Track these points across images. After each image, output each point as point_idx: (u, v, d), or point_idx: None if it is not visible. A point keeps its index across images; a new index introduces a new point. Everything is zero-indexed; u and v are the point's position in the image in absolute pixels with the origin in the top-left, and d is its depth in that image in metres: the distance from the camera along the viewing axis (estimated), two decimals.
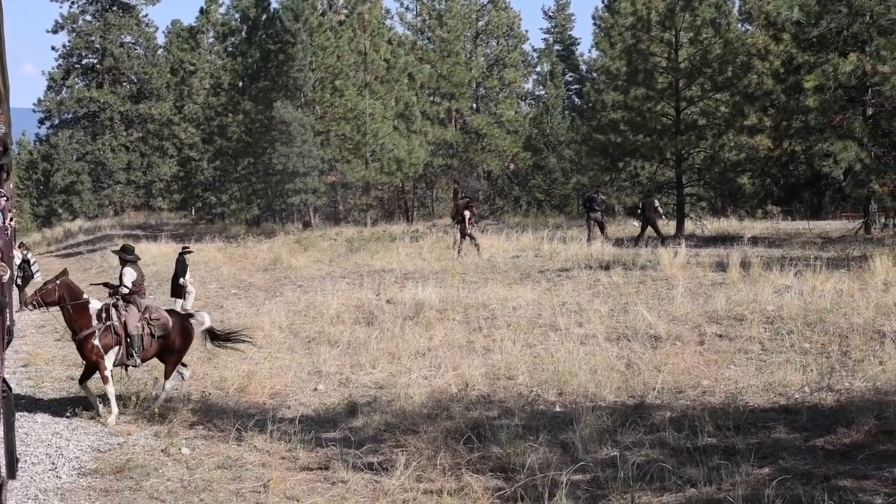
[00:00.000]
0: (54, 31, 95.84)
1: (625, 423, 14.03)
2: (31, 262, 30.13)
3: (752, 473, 11.74)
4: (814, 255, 28.62)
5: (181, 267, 27.91)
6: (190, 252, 29.39)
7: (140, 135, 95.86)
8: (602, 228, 41.93)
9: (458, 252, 37.54)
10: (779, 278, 24.50)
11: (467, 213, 38.52)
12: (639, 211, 43.56)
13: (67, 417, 16.62)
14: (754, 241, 36.41)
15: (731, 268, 26.29)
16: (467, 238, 38.25)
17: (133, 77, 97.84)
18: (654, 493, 11.48)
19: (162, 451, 14.42)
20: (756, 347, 18.88)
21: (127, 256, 17.92)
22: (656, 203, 40.51)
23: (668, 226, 42.38)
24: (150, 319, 17.24)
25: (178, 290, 27.85)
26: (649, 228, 41.28)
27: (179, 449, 14.39)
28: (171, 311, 17.89)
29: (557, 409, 15.55)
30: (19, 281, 28.64)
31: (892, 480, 11.34)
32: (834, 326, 19.49)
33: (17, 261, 28.62)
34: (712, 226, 46.51)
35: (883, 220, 41.74)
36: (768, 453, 12.53)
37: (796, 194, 51.86)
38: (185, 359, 18.27)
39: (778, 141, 41.76)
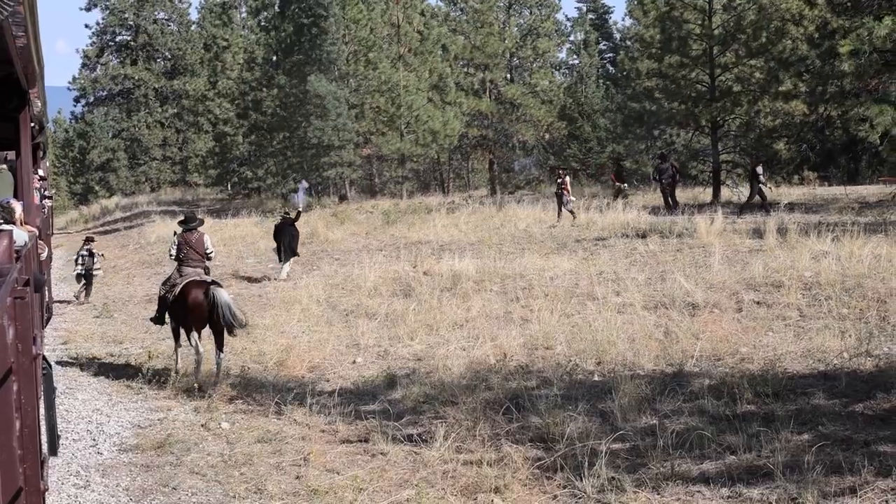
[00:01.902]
0: (87, 9, 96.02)
1: (663, 391, 14.01)
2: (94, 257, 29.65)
3: (792, 440, 11.70)
4: (851, 220, 28.47)
5: (287, 232, 30.25)
6: (294, 220, 31.04)
7: (175, 111, 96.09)
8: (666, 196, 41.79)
9: (569, 217, 37.87)
10: (816, 244, 24.40)
11: (568, 180, 39.85)
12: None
13: (108, 394, 16.72)
14: (791, 207, 36.24)
15: (768, 234, 26.20)
16: (567, 206, 38.81)
17: (167, 53, 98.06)
18: (694, 460, 11.47)
19: (202, 425, 14.48)
20: (794, 314, 18.81)
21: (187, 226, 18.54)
22: (759, 169, 40.21)
23: (772, 191, 42.00)
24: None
25: (285, 254, 30.08)
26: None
27: (219, 423, 14.45)
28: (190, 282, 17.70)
29: (596, 378, 15.54)
30: (80, 270, 28.58)
31: None
32: (872, 291, 19.40)
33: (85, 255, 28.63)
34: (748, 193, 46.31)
35: None
36: (807, 419, 12.49)
37: (833, 159, 51.61)
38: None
39: (813, 106, 41.52)
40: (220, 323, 17.16)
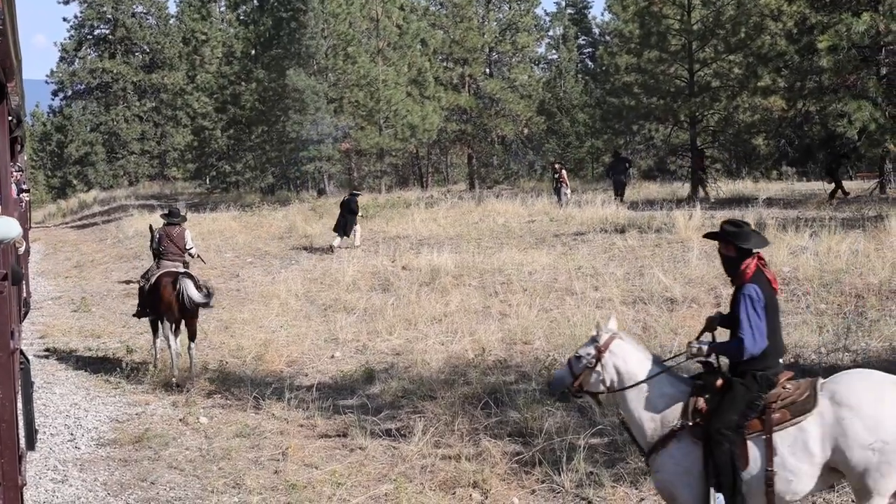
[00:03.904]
0: (65, 2, 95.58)
1: None
2: None
3: None
4: (829, 215, 28.52)
5: (350, 208, 32.70)
6: (359, 193, 34.34)
7: (153, 105, 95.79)
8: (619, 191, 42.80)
9: (566, 206, 38.66)
10: (794, 239, 24.44)
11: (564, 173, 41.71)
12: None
13: (86, 388, 16.72)
14: (769, 202, 36.33)
15: None
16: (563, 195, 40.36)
17: (145, 47, 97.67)
18: None
19: (180, 420, 14.50)
20: None
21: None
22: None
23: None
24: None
25: (345, 228, 32.53)
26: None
27: (197, 418, 14.47)
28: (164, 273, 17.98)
29: None
30: None
31: None
32: (850, 287, 19.46)
33: None
34: (727, 188, 46.34)
35: None
36: None
37: (811, 155, 51.63)
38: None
39: (792, 102, 41.57)
40: (189, 313, 17.40)
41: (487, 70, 73.08)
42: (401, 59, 61.04)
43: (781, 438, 8.21)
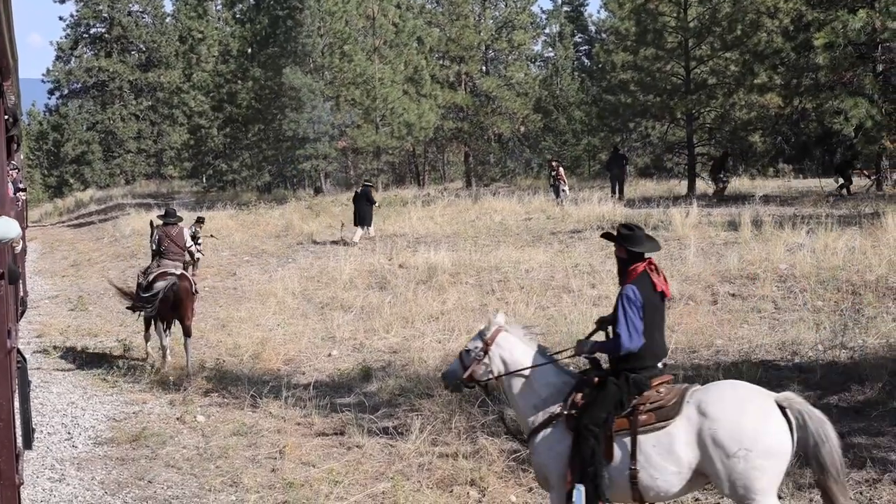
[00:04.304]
0: (61, 1, 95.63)
1: None
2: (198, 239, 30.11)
3: None
4: (825, 212, 28.51)
5: (367, 198, 33.74)
6: (372, 185, 34.90)
7: (149, 103, 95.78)
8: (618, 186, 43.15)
9: (564, 204, 38.88)
10: (791, 236, 24.46)
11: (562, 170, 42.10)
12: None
13: (83, 387, 16.72)
14: (766, 199, 36.33)
15: (743, 227, 26.25)
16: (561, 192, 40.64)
17: (141, 46, 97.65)
18: None
19: (177, 419, 14.49)
20: (769, 306, 18.88)
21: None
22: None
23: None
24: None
25: (361, 219, 33.49)
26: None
27: (195, 417, 14.47)
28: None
29: (571, 369, 15.55)
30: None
31: None
32: (847, 284, 19.46)
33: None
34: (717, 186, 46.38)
35: (894, 177, 41.58)
36: None
37: (807, 152, 51.67)
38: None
39: (788, 99, 41.57)
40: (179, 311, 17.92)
41: (484, 68, 73.02)
42: (397, 57, 61.00)
43: (646, 439, 8.49)
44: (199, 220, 31.09)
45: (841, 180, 39.64)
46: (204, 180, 77.81)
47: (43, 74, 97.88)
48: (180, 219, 19.63)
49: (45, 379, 17.16)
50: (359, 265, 27.13)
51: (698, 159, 47.75)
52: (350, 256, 28.40)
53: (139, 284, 18.94)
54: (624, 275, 9.01)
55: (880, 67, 37.83)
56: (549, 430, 8.92)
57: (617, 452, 8.59)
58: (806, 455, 8.32)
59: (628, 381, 8.67)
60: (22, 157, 34.60)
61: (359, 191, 35.00)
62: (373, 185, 36.30)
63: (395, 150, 63.98)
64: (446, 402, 13.70)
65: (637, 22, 45.37)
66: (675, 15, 44.68)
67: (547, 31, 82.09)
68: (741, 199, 36.76)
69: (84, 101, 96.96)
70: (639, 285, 8.74)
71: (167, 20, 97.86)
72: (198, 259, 29.21)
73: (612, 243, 9.22)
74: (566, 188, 40.97)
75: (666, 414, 8.48)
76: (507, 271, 24.23)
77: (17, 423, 9.58)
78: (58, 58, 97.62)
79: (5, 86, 10.49)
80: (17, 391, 9.84)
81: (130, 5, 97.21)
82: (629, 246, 8.95)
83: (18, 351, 10.53)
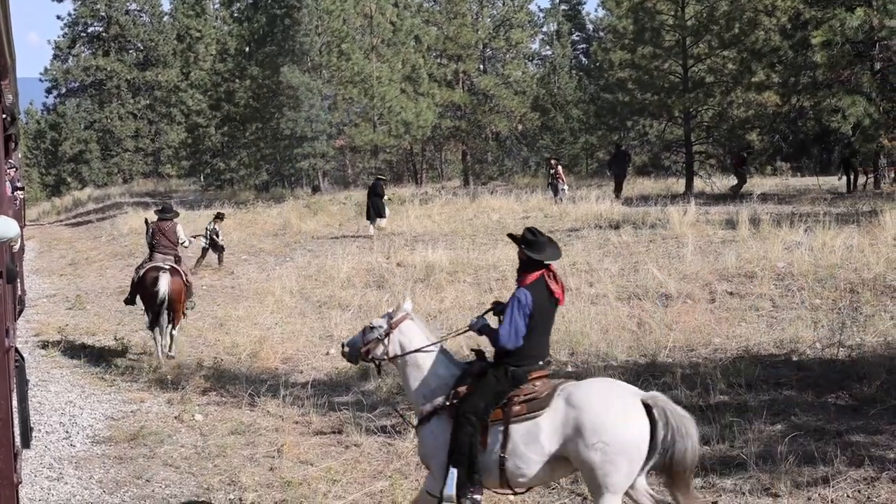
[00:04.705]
0: (59, 0, 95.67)
1: (637, 381, 13.99)
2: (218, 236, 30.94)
3: (765, 430, 11.78)
4: (823, 210, 28.52)
5: (377, 192, 34.63)
6: (385, 179, 36.33)
7: (147, 102, 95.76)
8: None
9: (562, 202, 39.04)
10: (789, 235, 24.46)
11: (561, 169, 42.16)
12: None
13: (81, 386, 16.71)
14: (764, 197, 36.35)
15: (741, 225, 26.25)
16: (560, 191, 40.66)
17: (139, 44, 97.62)
18: None
19: (175, 417, 14.49)
20: (767, 304, 18.88)
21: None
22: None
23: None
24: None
25: (377, 212, 34.38)
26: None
27: (192, 415, 14.46)
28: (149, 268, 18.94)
29: (569, 369, 15.56)
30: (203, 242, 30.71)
31: None
32: (844, 282, 19.46)
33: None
34: (722, 183, 46.37)
35: (892, 175, 41.61)
36: (780, 410, 12.57)
37: (805, 150, 51.68)
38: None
39: (786, 97, 41.58)
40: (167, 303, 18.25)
41: (481, 66, 73.07)
42: (395, 56, 61.04)
43: (517, 429, 8.82)
44: (219, 216, 31.82)
45: (844, 176, 39.78)
46: (202, 179, 77.81)
47: (40, 73, 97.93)
48: (176, 214, 20.04)
49: (44, 378, 17.15)
50: (356, 264, 27.11)
51: (696, 157, 47.78)
52: (348, 255, 28.39)
53: (133, 278, 19.35)
54: (520, 277, 9.27)
55: (878, 66, 37.86)
56: (434, 420, 9.24)
57: (491, 441, 8.93)
58: (666, 452, 8.52)
59: (507, 375, 9.01)
60: (20, 155, 34.65)
61: (372, 183, 36.05)
62: (385, 180, 37.44)
63: (392, 148, 64.06)
64: None
65: (635, 20, 45.38)
66: (672, 13, 44.72)
67: (544, 29, 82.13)
68: (739, 197, 36.76)
69: (82, 100, 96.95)
70: (533, 290, 9.05)
71: (165, 19, 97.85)
72: (222, 249, 30.82)
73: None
74: (565, 187, 40.95)
75: (537, 405, 8.82)
76: (505, 270, 24.18)
77: (16, 421, 9.58)
78: (55, 56, 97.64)
79: (3, 84, 10.49)
80: (15, 390, 9.84)
81: (128, 4, 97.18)
82: (529, 251, 9.19)
83: (16, 350, 10.53)
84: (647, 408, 8.57)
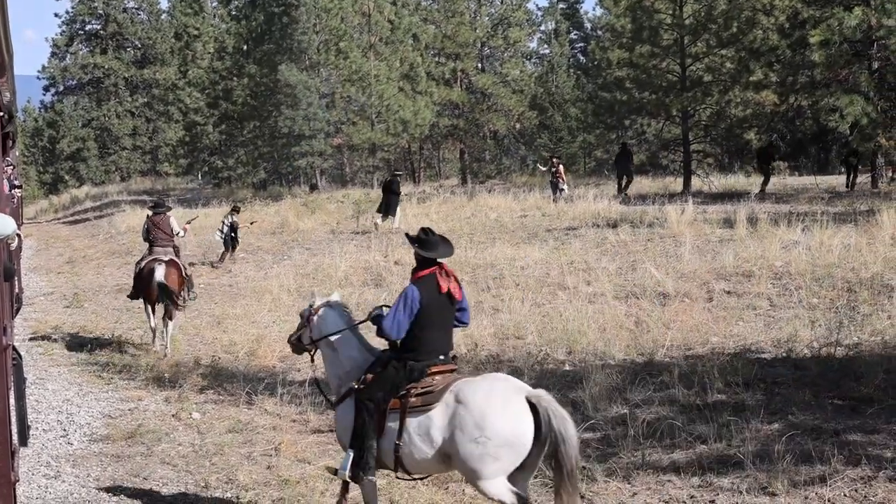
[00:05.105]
0: None
1: (634, 380, 14.05)
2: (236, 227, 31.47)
3: (762, 429, 11.78)
4: (821, 210, 28.56)
5: (392, 189, 35.03)
6: (400, 174, 36.85)
7: (145, 100, 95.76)
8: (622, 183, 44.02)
9: (559, 202, 39.19)
10: (786, 234, 24.49)
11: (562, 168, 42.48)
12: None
13: (78, 384, 16.71)
14: (761, 196, 36.36)
15: (739, 224, 26.26)
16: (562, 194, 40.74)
17: (137, 42, 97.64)
18: (665, 450, 11.54)
19: (173, 416, 14.49)
20: (764, 303, 18.90)
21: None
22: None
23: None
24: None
25: (387, 209, 34.79)
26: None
27: (190, 414, 14.46)
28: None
29: (567, 367, 15.58)
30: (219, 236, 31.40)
31: None
32: (842, 281, 19.49)
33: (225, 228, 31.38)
34: (719, 182, 46.39)
35: (890, 175, 41.64)
36: (777, 409, 12.57)
37: (803, 149, 51.73)
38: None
39: (784, 96, 41.62)
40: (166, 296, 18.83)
41: (479, 65, 73.03)
42: (393, 54, 61.03)
43: (411, 421, 9.21)
44: (235, 209, 32.57)
45: (845, 174, 39.94)
46: (199, 177, 77.85)
47: (38, 71, 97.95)
48: (169, 208, 20.87)
49: (41, 376, 17.16)
50: (354, 262, 27.11)
51: (694, 156, 47.78)
52: (345, 253, 28.39)
53: (135, 273, 19.96)
54: (413, 274, 9.75)
55: (876, 65, 37.86)
56: (346, 402, 9.72)
57: (388, 428, 9.35)
58: (549, 451, 8.82)
59: (405, 367, 9.38)
60: (17, 153, 34.62)
61: (387, 181, 36.39)
62: (401, 175, 38.08)
63: (390, 146, 64.03)
64: None
65: (633, 19, 45.37)
66: (670, 12, 44.69)
67: (542, 28, 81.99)
68: (736, 196, 36.77)
69: (79, 98, 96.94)
70: (422, 287, 9.45)
71: (163, 17, 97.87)
72: (237, 245, 31.32)
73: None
74: (565, 186, 41.03)
75: (431, 399, 9.16)
76: (503, 268, 24.21)
77: (13, 419, 9.58)
78: (53, 54, 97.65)
79: (0, 82, 10.49)
80: (12, 388, 9.84)
81: (126, 2, 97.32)
82: (420, 249, 9.64)
83: (14, 348, 10.53)
84: (532, 405, 8.83)
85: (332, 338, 10.16)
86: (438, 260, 9.67)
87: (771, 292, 19.54)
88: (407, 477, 9.80)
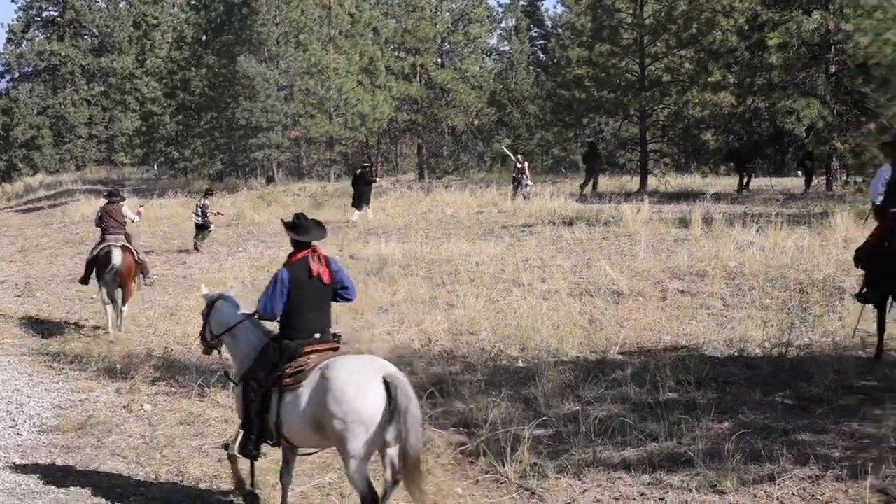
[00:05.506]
0: None
1: (587, 378, 14.09)
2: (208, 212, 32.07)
3: (713, 428, 11.83)
4: (775, 211, 28.73)
5: (366, 180, 35.73)
6: (368, 165, 38.21)
7: (102, 89, 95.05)
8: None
9: (517, 198, 39.32)
10: (741, 234, 24.61)
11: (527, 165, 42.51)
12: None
13: (28, 374, 16.61)
14: (717, 197, 36.54)
15: (694, 224, 26.37)
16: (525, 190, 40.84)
17: (94, 30, 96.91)
18: (616, 447, 11.56)
19: (124, 407, 14.42)
20: (717, 303, 18.97)
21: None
22: None
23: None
24: None
25: (360, 201, 35.35)
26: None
27: (141, 405, 14.39)
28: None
29: (520, 364, 15.60)
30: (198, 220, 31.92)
31: (849, 434, 11.46)
32: (794, 282, 19.61)
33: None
34: (675, 182, 46.59)
35: (844, 177, 41.92)
36: (728, 408, 12.62)
37: (759, 151, 51.93)
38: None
39: (741, 98, 41.85)
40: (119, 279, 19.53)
41: (439, 60, 72.98)
42: (352, 48, 60.95)
43: (287, 398, 9.74)
44: (209, 192, 33.41)
45: (803, 176, 40.23)
46: (155, 167, 77.50)
47: None
48: (123, 198, 21.14)
49: None
50: None
51: (651, 156, 47.98)
52: None
53: (88, 259, 20.56)
54: (288, 258, 10.30)
55: (833, 69, 38.14)
56: (243, 383, 10.25)
57: (272, 406, 9.87)
58: (397, 428, 9.20)
59: (282, 347, 9.95)
60: None
61: (357, 173, 36.68)
62: (370, 166, 38.87)
63: (348, 140, 64.05)
64: None
65: (593, 18, 45.53)
66: (631, 12, 44.87)
67: (503, 24, 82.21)
68: (692, 196, 36.93)
69: (35, 85, 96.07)
70: (293, 269, 10.05)
71: (121, 5, 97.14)
72: (209, 231, 31.78)
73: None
74: (529, 182, 41.13)
75: (301, 377, 9.68)
76: (458, 264, 24.21)
77: None
78: (9, 40, 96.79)
79: None
80: None
81: None
82: (293, 234, 10.25)
83: None
84: (388, 385, 9.23)
85: (232, 328, 10.64)
86: (312, 244, 10.27)
87: (724, 292, 19.63)
88: (302, 452, 10.44)
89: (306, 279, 10.03)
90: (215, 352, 11.27)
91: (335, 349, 10.20)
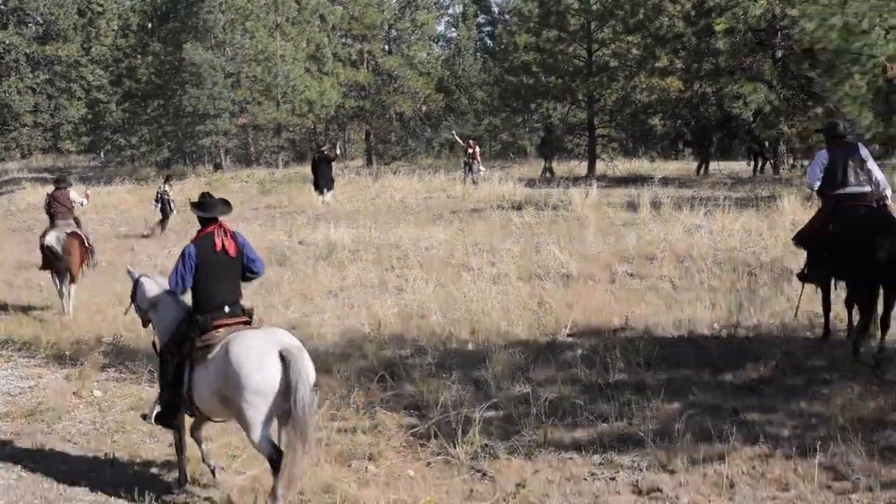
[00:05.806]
0: None
1: (537, 360, 14.13)
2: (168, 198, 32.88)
3: (663, 408, 11.89)
4: (724, 195, 28.90)
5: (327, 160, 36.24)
6: (326, 148, 40.03)
7: (47, 77, 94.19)
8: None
9: (467, 183, 39.65)
10: (689, 218, 24.78)
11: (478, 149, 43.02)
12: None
13: None
14: (665, 181, 36.71)
15: (643, 207, 26.50)
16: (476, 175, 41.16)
17: (39, 18, 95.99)
18: (566, 428, 11.60)
19: (73, 393, 14.32)
20: (666, 285, 19.07)
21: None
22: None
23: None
24: None
25: (323, 183, 35.61)
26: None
27: (91, 391, 14.31)
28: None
29: (470, 347, 15.60)
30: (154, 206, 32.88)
31: (798, 413, 11.56)
32: (742, 264, 19.76)
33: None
34: (624, 167, 46.76)
35: (791, 161, 42.23)
36: (678, 389, 12.69)
37: (707, 135, 52.26)
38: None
39: (689, 83, 42.17)
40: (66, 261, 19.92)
41: (386, 47, 72.92)
42: (299, 35, 60.81)
43: (197, 371, 10.04)
44: (168, 179, 34.13)
45: (752, 162, 40.65)
46: (102, 155, 76.96)
47: None
48: (70, 184, 21.91)
49: None
50: (258, 242, 26.90)
51: (599, 141, 48.14)
52: (250, 233, 28.19)
53: (40, 245, 20.61)
54: (196, 234, 10.70)
55: (779, 54, 38.42)
56: (160, 356, 10.69)
57: (186, 379, 10.13)
58: (292, 398, 9.39)
59: (193, 321, 10.24)
60: None
61: (316, 157, 37.28)
62: (326, 149, 39.88)
63: (295, 127, 63.95)
64: (345, 377, 13.71)
65: (540, 4, 45.68)
66: None
67: (450, 11, 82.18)
68: (640, 180, 37.08)
69: None
70: (199, 245, 10.44)
71: None
72: (172, 213, 32.44)
73: None
74: (481, 168, 41.28)
75: (208, 352, 9.97)
76: (407, 248, 24.24)
77: None
78: None
79: None
80: None
81: None
82: (198, 210, 10.69)
83: None
84: (283, 358, 9.46)
85: (155, 302, 11.08)
86: (219, 219, 10.66)
87: (673, 275, 19.75)
88: (215, 419, 10.72)
89: (212, 253, 10.38)
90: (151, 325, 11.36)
91: (246, 323, 10.38)
